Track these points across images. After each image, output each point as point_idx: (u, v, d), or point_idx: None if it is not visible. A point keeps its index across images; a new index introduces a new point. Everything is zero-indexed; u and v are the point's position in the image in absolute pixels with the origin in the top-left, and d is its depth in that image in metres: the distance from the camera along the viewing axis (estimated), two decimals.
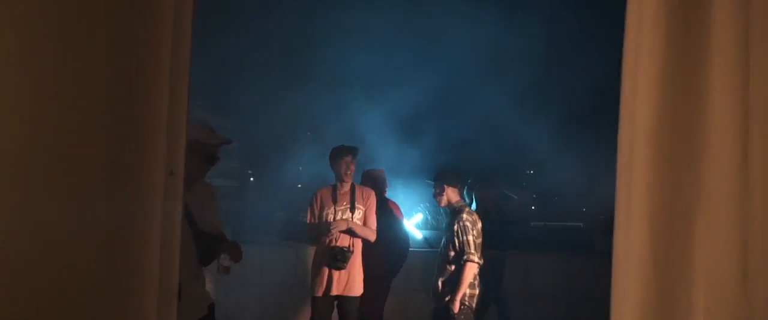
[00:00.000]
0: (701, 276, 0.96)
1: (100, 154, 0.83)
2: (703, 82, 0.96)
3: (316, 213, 3.55)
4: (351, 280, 3.42)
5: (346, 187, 3.56)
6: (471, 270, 3.20)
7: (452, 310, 3.18)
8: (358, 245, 3.48)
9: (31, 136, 0.81)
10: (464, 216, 3.28)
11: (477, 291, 3.29)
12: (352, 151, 3.55)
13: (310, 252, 3.84)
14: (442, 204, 3.44)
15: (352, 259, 3.38)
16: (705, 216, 0.92)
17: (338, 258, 3.33)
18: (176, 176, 0.96)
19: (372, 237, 3.51)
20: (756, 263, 0.92)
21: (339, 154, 3.53)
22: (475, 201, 4.20)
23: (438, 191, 3.40)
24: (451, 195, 3.38)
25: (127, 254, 0.83)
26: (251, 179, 12.95)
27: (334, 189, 3.57)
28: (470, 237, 3.21)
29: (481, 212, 3.80)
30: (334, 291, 3.40)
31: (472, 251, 3.19)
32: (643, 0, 0.99)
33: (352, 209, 3.49)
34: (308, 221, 3.62)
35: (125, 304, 0.82)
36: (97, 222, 0.81)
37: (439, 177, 3.43)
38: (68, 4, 0.83)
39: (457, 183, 3.43)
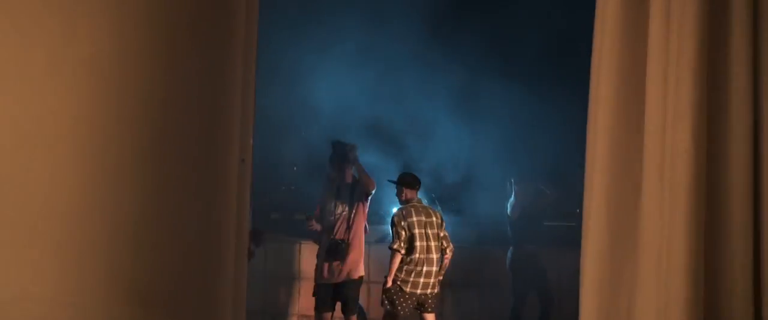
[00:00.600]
0: (650, 256, 1.17)
1: (188, 144, 1.07)
2: (656, 83, 1.16)
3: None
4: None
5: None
6: (393, 257, 3.86)
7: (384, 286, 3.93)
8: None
9: (135, 132, 1.04)
10: (395, 211, 4.03)
11: (412, 279, 3.86)
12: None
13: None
14: (401, 202, 4.09)
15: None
16: (654, 201, 1.15)
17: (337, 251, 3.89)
18: (246, 163, 1.21)
19: None
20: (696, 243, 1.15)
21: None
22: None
23: (398, 191, 4.07)
24: (408, 194, 4.02)
25: (212, 228, 1.08)
26: None
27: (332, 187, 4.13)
28: (396, 230, 3.86)
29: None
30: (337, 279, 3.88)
31: (394, 241, 3.86)
32: (606, 12, 1.22)
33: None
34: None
35: (212, 269, 1.07)
36: (188, 202, 1.05)
37: (399, 180, 4.12)
38: (160, 18, 1.05)
39: (415, 184, 4.07)
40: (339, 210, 3.94)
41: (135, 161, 1.00)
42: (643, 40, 1.17)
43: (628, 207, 1.16)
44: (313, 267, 4.09)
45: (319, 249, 4.05)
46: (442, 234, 4.01)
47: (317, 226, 3.97)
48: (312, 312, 4.14)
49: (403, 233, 3.84)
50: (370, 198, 4.08)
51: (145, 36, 1.03)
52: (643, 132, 1.12)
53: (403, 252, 3.85)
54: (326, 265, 3.88)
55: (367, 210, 4.09)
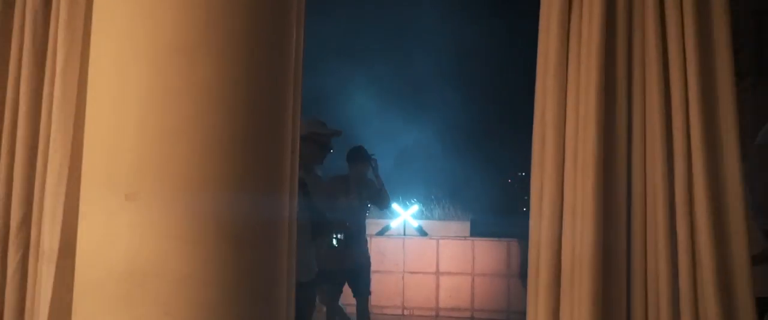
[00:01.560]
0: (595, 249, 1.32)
1: (252, 140, 1.52)
2: (596, 86, 1.39)
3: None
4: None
5: None
6: None
7: None
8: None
9: (208, 130, 1.49)
10: None
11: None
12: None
13: None
14: None
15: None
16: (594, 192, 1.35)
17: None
18: (294, 154, 1.67)
19: None
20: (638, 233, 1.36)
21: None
22: None
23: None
24: None
25: (274, 195, 1.54)
26: None
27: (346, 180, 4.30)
28: None
29: None
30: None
31: None
32: (550, 22, 1.47)
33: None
34: None
35: (275, 219, 1.54)
36: (261, 176, 1.51)
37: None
38: (222, 33, 1.48)
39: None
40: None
41: (228, 146, 1.44)
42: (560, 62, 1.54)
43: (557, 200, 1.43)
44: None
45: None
46: None
47: None
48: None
49: None
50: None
51: (227, 60, 1.48)
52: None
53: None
54: None
55: None
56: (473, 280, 6.21)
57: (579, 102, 1.38)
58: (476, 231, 6.65)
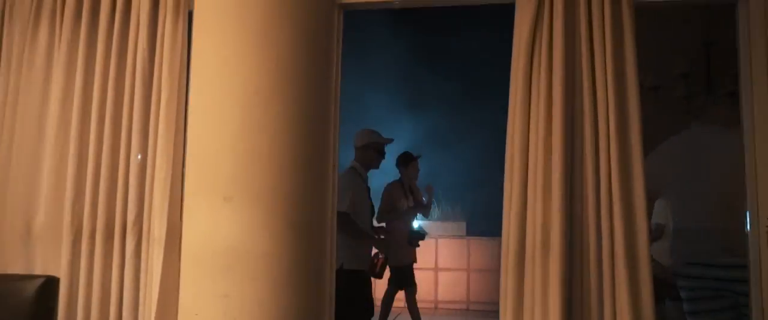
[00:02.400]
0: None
1: (308, 158, 2.12)
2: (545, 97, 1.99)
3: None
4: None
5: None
6: None
7: None
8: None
9: (278, 151, 2.09)
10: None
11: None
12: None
13: None
14: None
15: None
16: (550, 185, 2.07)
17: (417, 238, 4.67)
18: (335, 169, 2.27)
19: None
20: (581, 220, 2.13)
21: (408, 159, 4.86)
22: None
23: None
24: None
25: (323, 193, 2.14)
26: None
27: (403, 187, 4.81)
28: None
29: None
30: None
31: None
32: (521, 39, 2.17)
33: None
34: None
35: (323, 214, 2.14)
36: (315, 178, 2.10)
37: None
38: (287, 79, 2.09)
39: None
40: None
41: (292, 163, 2.04)
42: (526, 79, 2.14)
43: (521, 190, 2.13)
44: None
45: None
46: None
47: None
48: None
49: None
50: None
51: (290, 99, 2.08)
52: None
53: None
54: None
55: None
56: (469, 276, 6.81)
57: (539, 129, 1.98)
58: (472, 231, 7.27)
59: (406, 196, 4.72)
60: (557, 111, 1.96)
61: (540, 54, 2.03)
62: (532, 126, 1.99)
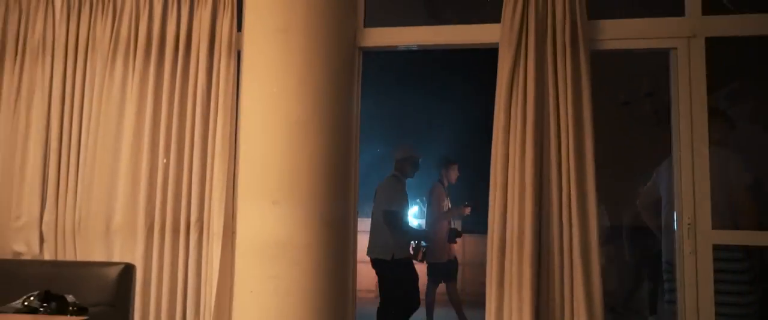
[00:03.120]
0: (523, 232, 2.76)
1: (336, 172, 2.69)
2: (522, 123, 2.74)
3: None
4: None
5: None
6: None
7: None
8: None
9: (315, 166, 2.67)
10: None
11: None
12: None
13: None
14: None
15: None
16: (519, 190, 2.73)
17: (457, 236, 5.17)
18: (356, 178, 2.85)
19: None
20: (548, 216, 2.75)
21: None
22: None
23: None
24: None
25: (348, 192, 2.73)
26: None
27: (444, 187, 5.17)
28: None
29: None
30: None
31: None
32: (502, 75, 2.79)
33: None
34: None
35: (347, 209, 2.73)
36: (337, 199, 2.69)
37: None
38: (321, 111, 2.68)
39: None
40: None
41: (325, 175, 2.62)
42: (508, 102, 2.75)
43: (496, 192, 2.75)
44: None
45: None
46: None
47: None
48: None
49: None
50: None
51: (324, 127, 2.66)
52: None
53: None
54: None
55: None
56: (463, 268, 7.39)
57: (516, 151, 2.57)
58: (465, 229, 7.84)
59: (447, 196, 5.19)
60: (529, 137, 2.55)
61: (517, 91, 2.61)
62: (510, 148, 2.58)
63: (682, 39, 2.65)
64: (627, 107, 4.57)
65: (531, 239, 2.50)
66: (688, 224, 2.56)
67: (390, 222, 4.18)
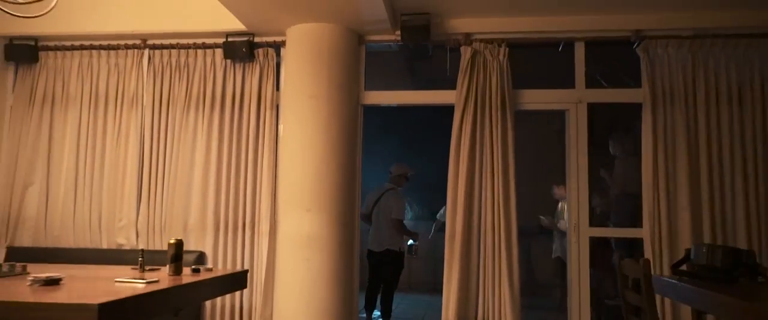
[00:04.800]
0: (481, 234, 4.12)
1: (346, 186, 4.01)
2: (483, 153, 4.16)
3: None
4: None
5: None
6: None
7: None
8: None
9: (334, 183, 3.98)
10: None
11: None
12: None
13: None
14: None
15: None
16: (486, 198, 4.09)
17: None
18: (359, 189, 4.18)
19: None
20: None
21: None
22: None
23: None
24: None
25: (353, 213, 4.05)
26: None
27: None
28: None
29: None
30: None
31: None
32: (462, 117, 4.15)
33: None
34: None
35: (354, 213, 4.05)
36: (347, 205, 4.00)
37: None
38: (336, 139, 3.99)
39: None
40: None
41: (341, 188, 3.97)
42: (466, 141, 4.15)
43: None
44: None
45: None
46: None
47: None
48: None
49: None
50: None
51: (338, 150, 3.99)
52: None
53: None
54: None
55: None
56: (435, 262, 8.77)
57: (461, 173, 3.95)
58: (439, 228, 9.24)
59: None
60: (465, 166, 3.93)
61: (464, 134, 3.98)
62: (459, 172, 3.95)
63: (572, 103, 4.06)
64: (559, 134, 5.93)
65: (461, 234, 3.88)
66: (575, 224, 3.96)
67: (398, 227, 5.55)
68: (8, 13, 2.34)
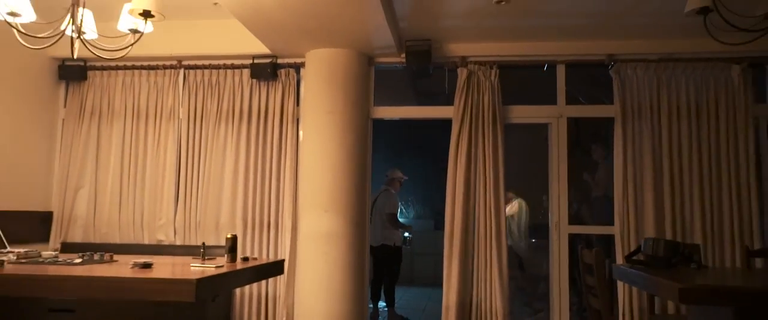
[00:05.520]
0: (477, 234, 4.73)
1: (358, 189, 4.62)
2: (477, 163, 4.78)
3: None
4: None
5: None
6: None
7: None
8: None
9: (347, 187, 4.60)
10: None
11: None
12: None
13: None
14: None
15: None
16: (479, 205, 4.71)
17: None
18: (369, 192, 4.80)
19: None
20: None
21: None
22: None
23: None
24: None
25: (364, 213, 4.66)
26: None
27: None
28: None
29: None
30: None
31: None
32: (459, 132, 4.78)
33: None
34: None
35: (364, 226, 4.66)
36: (358, 206, 4.62)
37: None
38: (348, 154, 4.60)
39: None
40: None
41: (353, 191, 4.59)
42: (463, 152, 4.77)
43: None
44: None
45: None
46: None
47: None
48: None
49: None
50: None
51: (351, 161, 4.61)
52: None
53: None
54: None
55: None
56: (435, 259, 9.38)
57: (458, 179, 4.56)
58: (439, 226, 9.87)
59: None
60: (462, 173, 4.54)
61: (461, 145, 4.60)
62: (457, 178, 4.57)
63: (554, 118, 4.68)
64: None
65: (461, 231, 4.49)
66: (556, 222, 4.58)
67: (394, 222, 6.23)
68: (100, 57, 2.96)
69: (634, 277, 2.98)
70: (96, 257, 2.99)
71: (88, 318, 2.73)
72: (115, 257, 3.16)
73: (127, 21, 3.03)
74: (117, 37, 3.18)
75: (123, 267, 2.64)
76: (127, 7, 2.92)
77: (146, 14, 2.82)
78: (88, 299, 2.68)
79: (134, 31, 3.05)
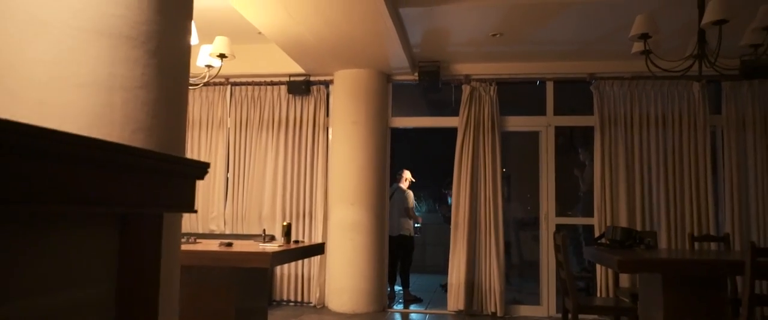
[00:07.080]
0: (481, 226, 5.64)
1: (379, 186, 5.50)
2: (479, 165, 5.67)
3: None
4: None
5: None
6: None
7: None
8: None
9: (370, 183, 5.48)
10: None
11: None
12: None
13: None
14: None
15: None
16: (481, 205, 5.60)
17: None
18: (387, 188, 5.69)
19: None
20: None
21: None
22: None
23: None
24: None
25: (383, 204, 5.55)
26: None
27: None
28: None
29: None
30: None
31: None
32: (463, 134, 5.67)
33: None
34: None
35: (383, 214, 5.55)
36: (379, 197, 5.50)
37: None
38: (373, 153, 5.49)
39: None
40: None
41: (374, 187, 5.50)
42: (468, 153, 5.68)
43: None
44: None
45: None
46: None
47: None
48: None
49: None
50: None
51: (373, 161, 5.50)
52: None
53: None
54: None
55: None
56: (444, 249, 10.26)
57: (463, 179, 5.45)
58: (448, 221, 10.74)
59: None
60: (467, 173, 5.42)
61: (466, 151, 5.48)
62: (461, 178, 5.45)
63: (543, 126, 5.55)
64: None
65: (468, 222, 5.38)
66: (545, 213, 5.46)
67: (410, 215, 7.11)
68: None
69: (597, 255, 3.86)
70: (184, 239, 3.91)
71: (193, 278, 3.65)
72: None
73: (204, 59, 3.94)
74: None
75: (212, 245, 3.55)
76: (206, 48, 3.83)
77: (222, 55, 3.72)
78: (190, 266, 3.59)
79: (209, 67, 3.95)
